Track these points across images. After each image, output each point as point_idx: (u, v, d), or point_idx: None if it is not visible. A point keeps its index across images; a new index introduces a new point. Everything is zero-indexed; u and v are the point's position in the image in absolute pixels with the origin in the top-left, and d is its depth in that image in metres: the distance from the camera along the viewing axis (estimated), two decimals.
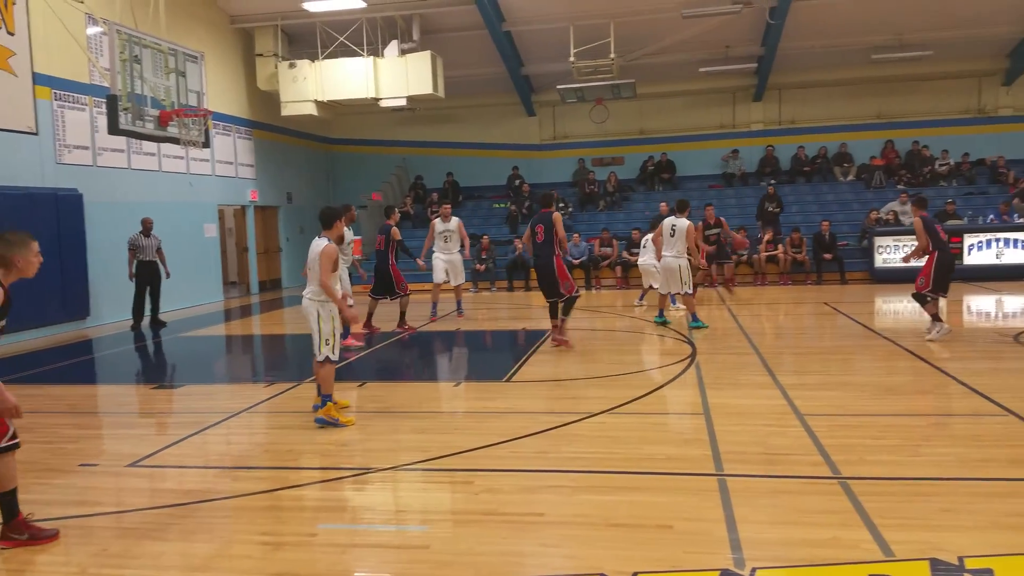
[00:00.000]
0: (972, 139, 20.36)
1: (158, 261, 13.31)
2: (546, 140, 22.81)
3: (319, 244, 6.33)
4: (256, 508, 4.62)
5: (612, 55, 17.77)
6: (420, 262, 12.35)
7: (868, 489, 4.44)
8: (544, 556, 3.81)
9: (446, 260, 12.51)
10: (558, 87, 19.46)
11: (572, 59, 17.92)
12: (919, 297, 9.34)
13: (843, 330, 11.02)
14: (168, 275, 13.56)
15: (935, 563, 3.47)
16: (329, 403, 6.28)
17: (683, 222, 10.58)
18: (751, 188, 20.92)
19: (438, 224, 12.60)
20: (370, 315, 11.43)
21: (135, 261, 13.16)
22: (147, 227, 13.24)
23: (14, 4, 11.95)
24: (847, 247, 17.49)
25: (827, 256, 16.89)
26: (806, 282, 16.93)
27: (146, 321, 13.36)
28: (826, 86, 21.02)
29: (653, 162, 21.61)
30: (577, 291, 9.66)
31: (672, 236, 10.71)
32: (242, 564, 3.80)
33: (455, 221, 12.65)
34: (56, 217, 12.33)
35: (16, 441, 4.11)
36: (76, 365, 10.41)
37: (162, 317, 13.55)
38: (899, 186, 19.28)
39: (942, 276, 9.14)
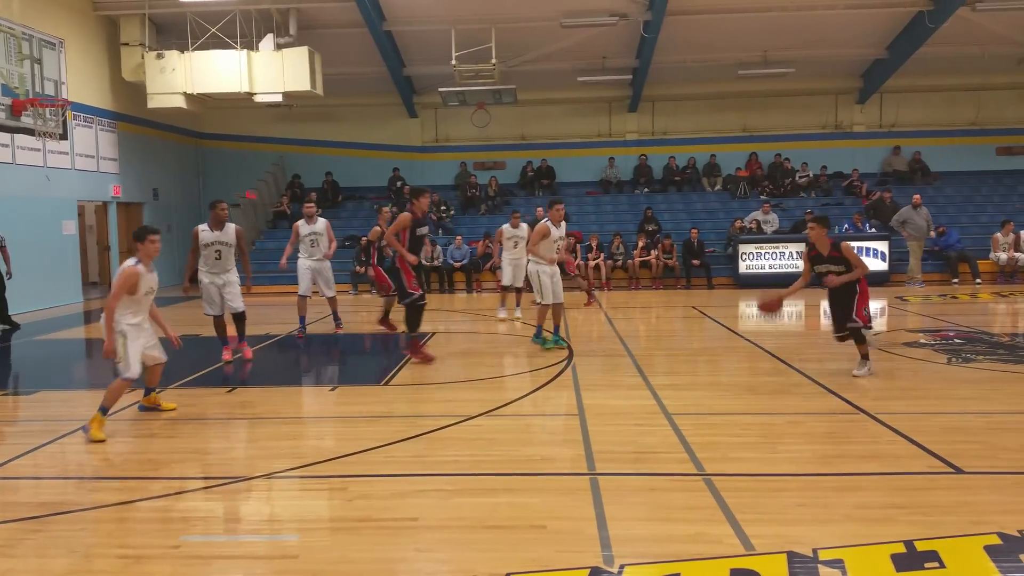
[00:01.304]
0: (829, 153, 21.84)
1: (0, 260, 12.32)
2: (428, 142, 22.75)
3: (124, 263, 6.20)
4: (116, 520, 4.38)
5: (493, 60, 17.93)
6: (283, 262, 11.19)
7: (730, 485, 4.66)
8: (417, 562, 3.81)
9: (313, 268, 11.00)
10: (440, 89, 19.45)
11: (454, 62, 17.96)
12: (858, 333, 7.64)
13: (710, 333, 11.57)
14: (10, 275, 12.50)
15: (792, 556, 3.67)
16: (99, 415, 6.01)
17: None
18: (626, 196, 21.64)
19: (302, 226, 10.99)
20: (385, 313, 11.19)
21: None
22: None
23: None
24: (714, 254, 18.37)
25: (695, 262, 17.67)
26: (676, 287, 17.65)
27: None
28: (695, 99, 22.01)
29: (533, 167, 21.96)
30: (405, 298, 8.90)
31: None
32: None
33: (322, 223, 11.09)
34: None
35: None
36: None
37: (13, 318, 12.57)
38: (762, 196, 20.43)
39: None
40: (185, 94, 17.15)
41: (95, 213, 18.46)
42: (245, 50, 16.96)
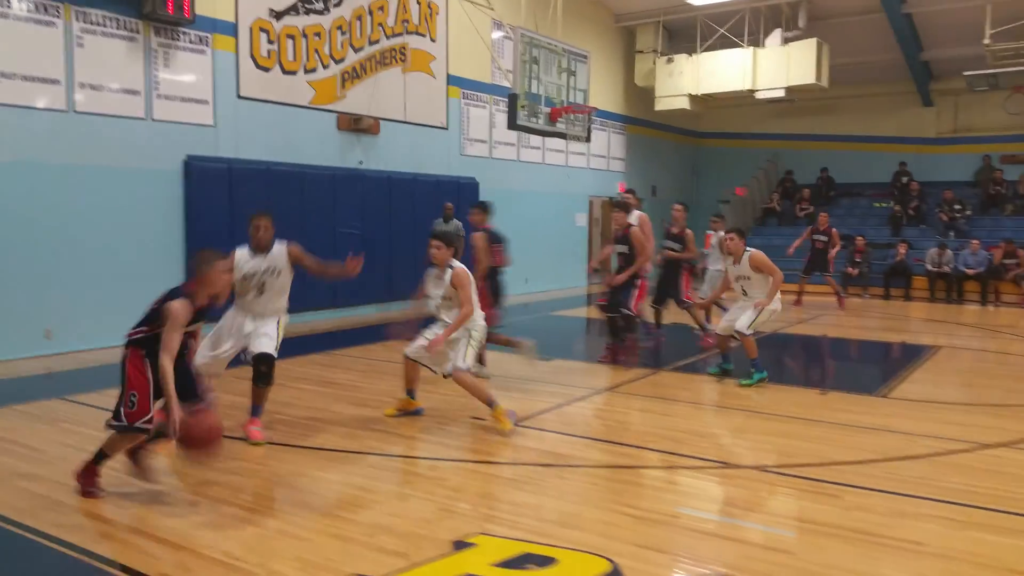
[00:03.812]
0: None
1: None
2: (944, 133, 20.22)
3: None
4: (619, 480, 4.88)
5: None
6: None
7: None
8: None
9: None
10: (965, 73, 17.16)
11: (987, 41, 15.64)
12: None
13: None
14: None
15: None
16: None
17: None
18: None
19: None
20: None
21: None
22: (448, 214, 12.33)
23: (437, 14, 13.84)
24: None
25: None
26: None
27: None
28: None
29: None
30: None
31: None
32: (608, 530, 4.04)
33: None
34: (457, 202, 14.06)
35: (147, 427, 4.23)
36: None
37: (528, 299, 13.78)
38: None
39: None
40: (690, 95, 18.06)
41: (601, 208, 20.57)
42: (751, 47, 17.15)
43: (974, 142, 19.64)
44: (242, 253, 5.74)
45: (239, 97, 10.76)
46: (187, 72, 10.11)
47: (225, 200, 10.33)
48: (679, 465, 5.16)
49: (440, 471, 5.04)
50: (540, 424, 6.18)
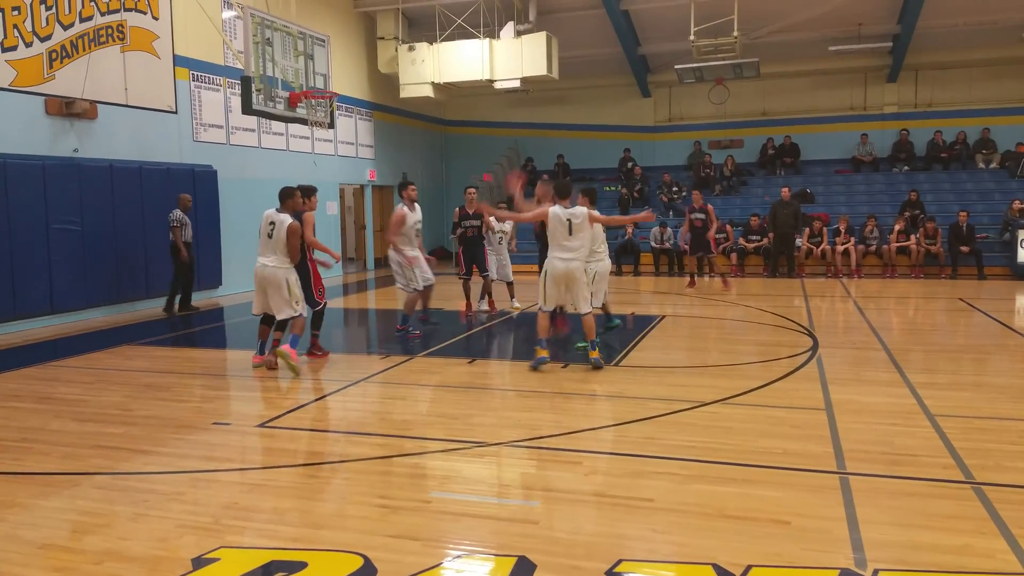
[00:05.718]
0: None
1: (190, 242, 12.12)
2: (661, 122, 22.34)
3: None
4: (372, 472, 4.79)
5: (735, 33, 17.16)
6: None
7: (1006, 497, 4.15)
8: (653, 541, 3.76)
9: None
10: (676, 67, 19.01)
11: (692, 38, 17.43)
12: None
13: (980, 328, 10.34)
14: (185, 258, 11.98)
15: None
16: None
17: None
18: (883, 175, 19.87)
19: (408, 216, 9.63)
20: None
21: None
22: (187, 205, 11.97)
23: None
24: (987, 240, 16.34)
25: (964, 249, 15.82)
26: (940, 276, 15.94)
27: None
28: (968, 67, 19.59)
29: (774, 145, 20.85)
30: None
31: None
32: (360, 524, 3.95)
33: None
34: (192, 192, 13.06)
35: None
36: (209, 331, 11.05)
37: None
38: None
39: None
40: (433, 84, 18.24)
41: (353, 195, 20.24)
42: (487, 39, 17.67)
43: (686, 129, 21.92)
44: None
45: None
46: None
47: None
48: (431, 450, 5.19)
49: (177, 485, 4.63)
50: (291, 423, 5.92)
